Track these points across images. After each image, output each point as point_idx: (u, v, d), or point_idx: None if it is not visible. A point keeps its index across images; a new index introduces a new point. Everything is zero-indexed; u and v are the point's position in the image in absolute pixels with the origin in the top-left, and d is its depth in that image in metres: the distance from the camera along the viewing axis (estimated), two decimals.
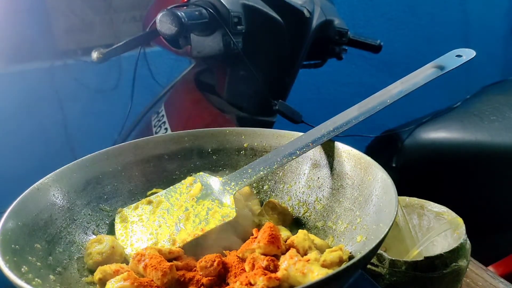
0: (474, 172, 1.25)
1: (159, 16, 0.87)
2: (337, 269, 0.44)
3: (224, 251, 0.54)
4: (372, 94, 0.61)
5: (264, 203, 0.62)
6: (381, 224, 0.48)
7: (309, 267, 0.46)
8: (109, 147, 0.64)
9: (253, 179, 0.58)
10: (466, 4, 2.12)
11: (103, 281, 0.50)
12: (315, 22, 1.10)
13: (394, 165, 1.28)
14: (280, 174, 0.65)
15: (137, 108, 1.25)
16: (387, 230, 0.44)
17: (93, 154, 0.63)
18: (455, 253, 0.56)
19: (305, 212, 0.62)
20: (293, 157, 0.58)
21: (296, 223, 0.62)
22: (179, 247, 0.54)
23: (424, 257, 0.55)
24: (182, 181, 0.62)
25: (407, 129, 1.29)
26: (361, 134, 1.20)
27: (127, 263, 0.53)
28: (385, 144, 1.34)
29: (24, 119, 1.43)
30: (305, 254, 0.50)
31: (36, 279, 0.47)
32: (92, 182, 0.62)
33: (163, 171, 0.66)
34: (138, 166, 0.65)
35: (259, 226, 0.56)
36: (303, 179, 0.63)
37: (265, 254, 0.50)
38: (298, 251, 0.50)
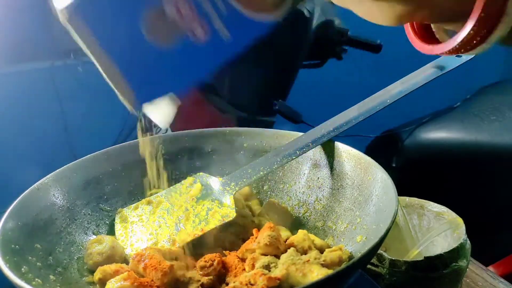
0: (474, 172, 1.25)
1: None
2: (337, 269, 0.44)
3: (224, 251, 0.54)
4: (372, 94, 0.61)
5: (264, 203, 0.62)
6: (381, 224, 0.48)
7: (309, 267, 0.46)
8: (109, 147, 0.64)
9: (253, 179, 0.58)
10: None
11: (103, 281, 0.50)
12: (315, 22, 1.10)
13: (394, 165, 1.28)
14: (280, 174, 0.65)
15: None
16: (387, 230, 0.44)
17: (93, 154, 0.63)
18: (455, 253, 0.56)
19: (305, 212, 0.62)
20: (293, 157, 0.58)
21: (296, 223, 0.62)
22: (179, 247, 0.54)
23: (424, 257, 0.55)
24: (182, 181, 0.62)
25: (407, 129, 1.29)
26: (361, 134, 1.20)
27: (127, 263, 0.53)
28: (385, 144, 1.34)
29: (24, 119, 1.42)
30: (305, 254, 0.50)
31: (36, 279, 0.47)
32: (92, 182, 0.62)
33: (163, 171, 0.66)
34: (138, 166, 0.65)
35: (259, 226, 0.56)
36: (303, 179, 0.63)
37: (265, 254, 0.50)
38: (297, 251, 0.50)
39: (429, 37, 0.37)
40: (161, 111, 0.41)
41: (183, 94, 0.42)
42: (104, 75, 0.38)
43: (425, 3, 0.33)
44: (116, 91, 0.39)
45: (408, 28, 0.38)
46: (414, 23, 0.38)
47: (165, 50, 0.37)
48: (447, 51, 0.34)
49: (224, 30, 0.37)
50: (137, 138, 0.67)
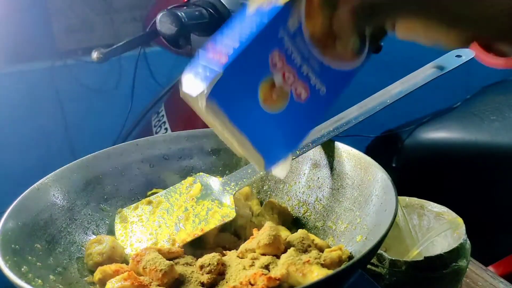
0: (474, 172, 1.25)
1: (159, 16, 0.87)
2: (337, 269, 0.44)
3: (224, 251, 0.54)
4: (372, 94, 0.61)
5: (264, 203, 0.62)
6: (381, 224, 0.48)
7: (309, 267, 0.46)
8: (109, 147, 0.64)
9: (253, 179, 0.58)
10: None
11: (103, 281, 0.50)
12: None
13: (394, 165, 1.28)
14: None
15: (137, 108, 1.25)
16: (387, 230, 0.44)
17: (93, 154, 0.63)
18: (455, 253, 0.56)
19: (305, 212, 0.62)
20: (293, 157, 0.58)
21: (296, 223, 0.62)
22: (179, 247, 0.54)
23: (424, 257, 0.55)
24: (182, 181, 0.62)
25: (407, 129, 1.29)
26: (361, 134, 1.20)
27: (127, 263, 0.53)
28: (385, 144, 1.34)
29: (24, 119, 1.43)
30: (305, 252, 0.50)
31: (36, 279, 0.47)
32: (92, 182, 0.62)
33: (163, 171, 0.66)
34: (138, 166, 0.65)
35: (259, 226, 0.56)
36: (303, 179, 0.63)
37: (265, 254, 0.50)
38: (297, 250, 0.50)
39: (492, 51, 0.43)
40: (282, 167, 0.47)
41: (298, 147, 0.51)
42: (239, 151, 0.44)
43: (487, 27, 0.38)
44: (252, 162, 0.45)
45: (475, 46, 0.43)
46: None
47: (279, 114, 0.42)
48: None
49: (320, 86, 0.44)
50: (137, 138, 0.67)
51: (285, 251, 0.50)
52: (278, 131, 0.44)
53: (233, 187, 0.58)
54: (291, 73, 0.42)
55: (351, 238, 0.54)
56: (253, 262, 0.49)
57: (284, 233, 0.56)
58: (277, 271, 0.46)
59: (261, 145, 0.43)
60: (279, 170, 0.47)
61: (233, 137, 0.42)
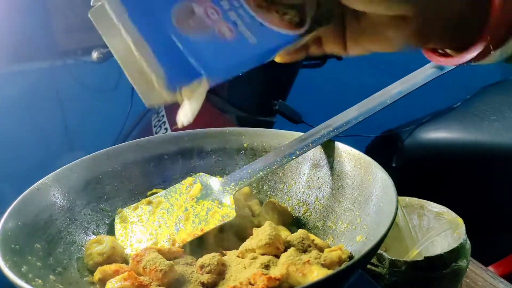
0: (474, 172, 1.25)
1: None
2: (337, 269, 0.44)
3: (224, 251, 0.54)
4: (372, 94, 0.61)
5: (264, 203, 0.62)
6: (381, 224, 0.48)
7: (309, 267, 0.46)
8: (109, 147, 0.64)
9: (253, 179, 0.58)
10: None
11: (103, 281, 0.50)
12: None
13: (394, 165, 1.28)
14: (280, 174, 0.65)
15: (137, 108, 1.25)
16: (387, 230, 0.44)
17: (93, 154, 0.63)
18: (455, 253, 0.56)
19: (305, 212, 0.62)
20: (293, 157, 0.58)
21: (296, 223, 0.62)
22: (179, 247, 0.54)
23: (424, 257, 0.55)
24: (182, 182, 0.62)
25: (407, 129, 1.29)
26: (361, 134, 1.20)
27: (127, 263, 0.53)
28: (385, 144, 1.34)
29: (24, 119, 1.43)
30: (305, 252, 0.51)
31: (36, 279, 0.47)
32: (92, 182, 0.62)
33: (163, 171, 0.66)
34: (138, 166, 0.65)
35: (258, 226, 0.56)
36: (303, 179, 0.63)
37: (265, 254, 0.50)
38: (297, 249, 0.50)
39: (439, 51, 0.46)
40: (187, 108, 0.41)
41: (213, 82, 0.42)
42: (138, 56, 0.39)
43: (432, 33, 0.41)
44: (152, 77, 0.39)
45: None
46: None
47: (194, 39, 0.38)
48: (459, 63, 0.46)
49: (249, 35, 0.40)
50: (137, 138, 0.67)
51: (285, 251, 0.50)
52: (188, 54, 0.39)
53: (233, 187, 0.58)
54: (215, 12, 0.38)
55: (351, 238, 0.54)
56: (253, 262, 0.49)
57: (284, 233, 0.56)
58: (277, 271, 0.46)
59: (164, 59, 0.38)
60: (183, 112, 0.42)
61: (134, 46, 0.38)
